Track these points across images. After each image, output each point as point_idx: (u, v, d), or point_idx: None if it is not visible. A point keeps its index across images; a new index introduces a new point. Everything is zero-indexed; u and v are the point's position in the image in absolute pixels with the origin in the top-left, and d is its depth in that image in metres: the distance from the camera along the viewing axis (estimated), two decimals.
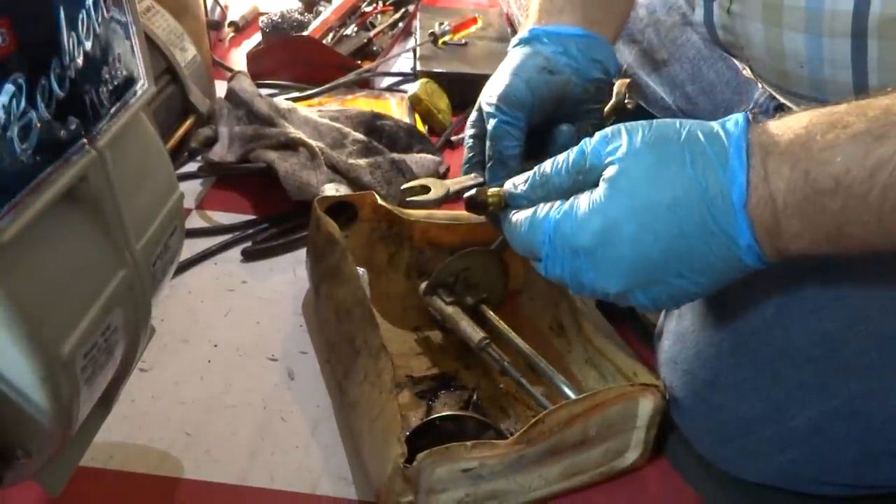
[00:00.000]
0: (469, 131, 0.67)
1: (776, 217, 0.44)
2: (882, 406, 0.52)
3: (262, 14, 1.41)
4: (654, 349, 0.64)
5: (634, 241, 0.46)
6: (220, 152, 0.93)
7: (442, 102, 1.11)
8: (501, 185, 0.56)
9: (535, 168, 0.53)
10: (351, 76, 1.17)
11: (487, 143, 0.63)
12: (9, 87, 0.35)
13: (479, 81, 1.14)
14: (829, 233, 0.43)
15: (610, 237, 0.47)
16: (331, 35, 1.28)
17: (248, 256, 0.84)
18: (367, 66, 1.22)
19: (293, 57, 1.19)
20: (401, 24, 1.39)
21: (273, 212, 0.90)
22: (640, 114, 0.86)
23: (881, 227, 0.42)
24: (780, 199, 0.43)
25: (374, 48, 1.30)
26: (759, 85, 0.70)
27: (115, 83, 0.44)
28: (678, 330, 0.61)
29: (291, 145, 0.91)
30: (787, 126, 0.45)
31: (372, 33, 1.32)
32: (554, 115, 0.66)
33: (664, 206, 0.46)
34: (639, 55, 0.83)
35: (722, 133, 0.46)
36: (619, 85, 0.68)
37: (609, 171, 0.47)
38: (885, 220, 0.41)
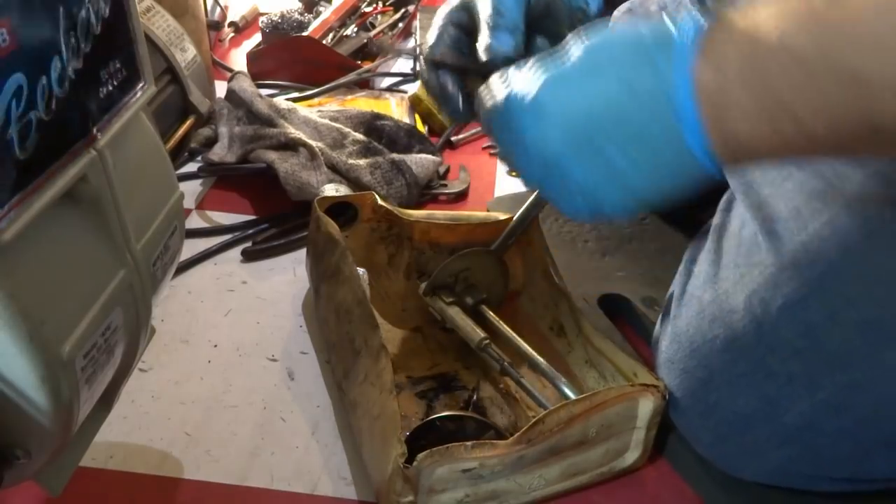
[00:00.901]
0: (442, 17, 0.60)
1: (723, 87, 0.41)
2: (869, 397, 0.52)
3: (262, 14, 1.41)
4: (654, 354, 0.64)
5: (581, 85, 0.45)
6: (220, 152, 0.93)
7: None
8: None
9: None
10: (351, 76, 1.17)
11: (482, 10, 0.57)
12: (9, 88, 0.35)
13: None
14: (768, 105, 0.40)
15: (558, 88, 0.46)
16: (331, 35, 1.28)
17: (248, 256, 0.84)
18: (366, 66, 1.23)
19: (293, 57, 1.19)
20: (401, 25, 1.39)
21: (273, 212, 0.90)
22: None
23: (813, 93, 0.39)
24: (730, 63, 0.41)
25: (374, 49, 1.30)
26: None
27: (115, 83, 0.44)
28: (674, 331, 0.61)
29: (291, 146, 0.91)
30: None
31: (372, 33, 1.32)
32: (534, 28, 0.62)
33: (613, 51, 0.45)
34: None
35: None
36: None
37: (571, 40, 0.47)
38: (818, 79, 0.38)
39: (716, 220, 0.64)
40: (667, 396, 0.59)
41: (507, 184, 1.01)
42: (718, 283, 0.59)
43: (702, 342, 0.58)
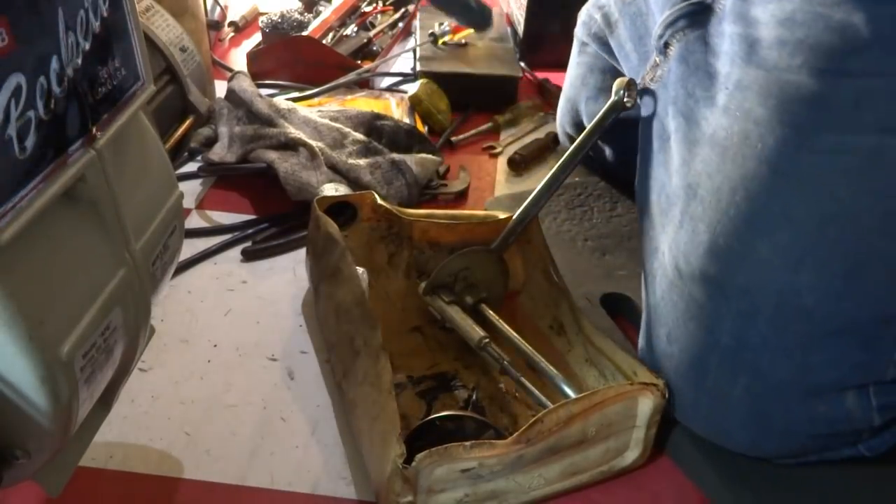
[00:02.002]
0: None
1: None
2: (767, 297, 0.56)
3: (262, 14, 1.41)
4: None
5: None
6: (219, 152, 0.93)
7: (442, 103, 1.11)
8: None
9: None
10: (351, 76, 1.17)
11: None
12: (8, 87, 0.35)
13: (479, 81, 1.15)
14: None
15: None
16: (331, 35, 1.28)
17: (248, 256, 0.84)
18: (367, 66, 1.23)
19: (293, 57, 1.19)
20: (401, 24, 1.39)
21: (273, 212, 0.90)
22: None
23: None
24: None
25: (374, 48, 1.30)
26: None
27: (114, 83, 0.44)
28: (644, 317, 0.67)
29: (291, 145, 0.91)
30: None
31: (372, 33, 1.32)
32: None
33: None
34: (603, 19, 0.86)
35: None
36: (618, 84, 0.68)
37: None
38: None
39: (637, 207, 0.70)
40: (667, 395, 0.59)
41: (507, 184, 1.01)
42: (658, 250, 0.64)
43: (656, 304, 0.63)
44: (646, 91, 0.70)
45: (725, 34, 0.61)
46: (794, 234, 0.54)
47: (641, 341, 0.67)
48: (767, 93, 0.56)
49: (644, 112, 0.70)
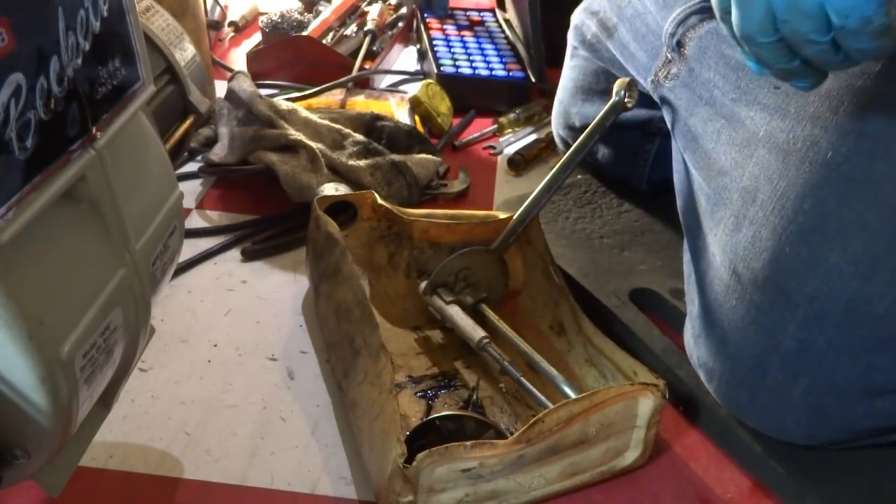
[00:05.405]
0: None
1: None
2: (835, 303, 0.55)
3: (262, 14, 1.41)
4: (687, 352, 0.67)
5: None
6: (220, 153, 0.92)
7: (443, 105, 1.10)
8: None
9: None
10: (351, 76, 1.17)
11: None
12: (8, 87, 0.35)
13: (479, 82, 1.15)
14: None
15: None
16: (331, 35, 1.28)
17: (248, 256, 0.84)
18: (367, 65, 1.22)
19: (293, 57, 1.19)
20: (401, 24, 1.39)
21: (273, 212, 0.90)
22: (638, 114, 0.86)
23: None
24: None
25: (375, 48, 1.30)
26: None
27: (114, 83, 0.44)
28: (690, 315, 0.66)
29: (292, 147, 0.91)
30: None
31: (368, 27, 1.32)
32: None
33: None
34: (598, 25, 0.86)
35: None
36: (618, 84, 0.68)
37: None
38: None
39: (679, 206, 0.69)
40: (666, 395, 0.59)
41: (507, 184, 1.01)
42: (707, 251, 0.64)
43: (710, 305, 0.63)
44: (665, 91, 0.69)
45: None
46: (867, 243, 0.53)
47: (689, 339, 0.67)
48: (839, 99, 0.54)
49: (667, 113, 0.70)
